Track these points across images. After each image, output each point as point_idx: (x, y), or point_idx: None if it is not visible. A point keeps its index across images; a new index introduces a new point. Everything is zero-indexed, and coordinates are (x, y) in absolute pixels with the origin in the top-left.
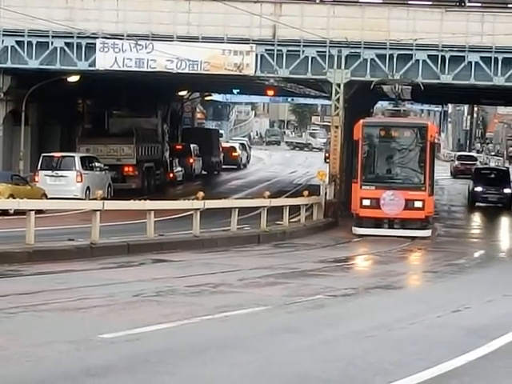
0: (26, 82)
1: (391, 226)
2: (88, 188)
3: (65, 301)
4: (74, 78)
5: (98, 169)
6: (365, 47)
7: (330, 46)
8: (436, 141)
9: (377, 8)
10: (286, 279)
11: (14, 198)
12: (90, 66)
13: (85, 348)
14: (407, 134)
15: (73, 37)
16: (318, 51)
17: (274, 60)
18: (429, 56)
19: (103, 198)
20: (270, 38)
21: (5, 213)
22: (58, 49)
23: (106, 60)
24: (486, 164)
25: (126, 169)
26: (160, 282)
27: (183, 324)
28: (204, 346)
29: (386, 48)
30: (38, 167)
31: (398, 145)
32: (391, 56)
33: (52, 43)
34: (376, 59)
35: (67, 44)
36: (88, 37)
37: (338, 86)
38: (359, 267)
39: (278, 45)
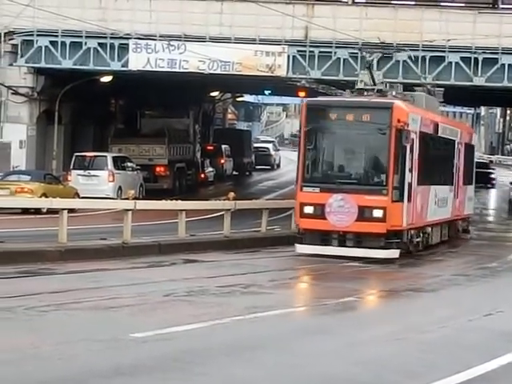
0: (60, 82)
1: (342, 243)
2: (120, 188)
3: (96, 300)
4: (106, 78)
5: (130, 169)
6: (397, 49)
7: (365, 47)
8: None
9: (409, 9)
10: (316, 281)
11: (46, 197)
12: (122, 66)
13: (115, 347)
14: (365, 117)
15: (106, 37)
16: (350, 52)
17: (305, 61)
18: (461, 58)
19: (135, 198)
20: (302, 39)
21: (38, 212)
22: (92, 49)
23: (138, 60)
24: None
25: (157, 169)
26: (191, 282)
27: (214, 324)
28: (234, 346)
29: (418, 50)
30: (71, 166)
31: (352, 132)
32: (424, 58)
33: (85, 43)
34: (408, 61)
35: (100, 44)
36: (121, 37)
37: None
38: (390, 269)
39: (310, 46)
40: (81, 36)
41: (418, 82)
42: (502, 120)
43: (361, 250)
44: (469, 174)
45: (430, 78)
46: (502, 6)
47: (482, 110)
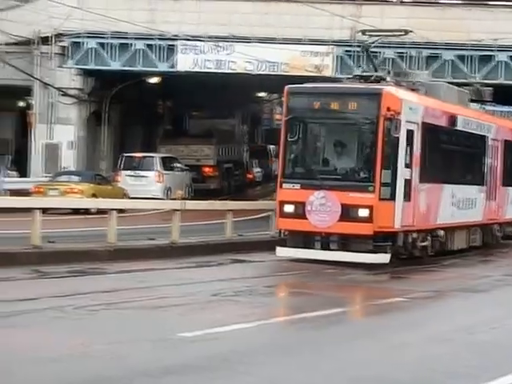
0: (108, 84)
1: (325, 246)
2: (169, 188)
3: (145, 299)
4: (154, 80)
5: (179, 169)
6: (445, 48)
7: (409, 47)
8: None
9: (457, 8)
10: (358, 283)
11: (96, 197)
12: (170, 67)
13: (164, 346)
14: (351, 105)
15: (154, 38)
16: (397, 52)
17: (353, 61)
18: (510, 57)
19: (183, 198)
20: (349, 39)
21: (87, 212)
22: (140, 50)
23: (186, 61)
24: None
25: (205, 169)
26: (238, 282)
27: (261, 324)
28: (281, 347)
29: (466, 49)
30: (120, 167)
31: (337, 122)
32: (472, 57)
33: (133, 45)
34: (456, 60)
35: (148, 46)
36: (169, 38)
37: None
38: (436, 270)
39: (357, 46)
40: (129, 37)
41: (465, 81)
42: None
43: (346, 253)
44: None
45: (478, 77)
46: None
47: None
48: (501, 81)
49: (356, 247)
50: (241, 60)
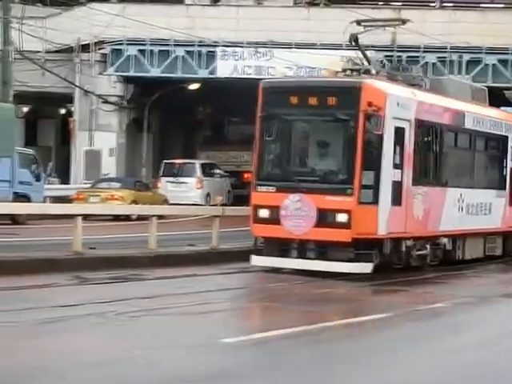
0: (148, 91)
1: (302, 254)
2: (208, 194)
3: (186, 305)
4: (194, 86)
5: (218, 175)
6: (486, 52)
7: (450, 52)
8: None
9: (499, 12)
10: (408, 286)
11: (136, 203)
12: (210, 73)
13: (204, 352)
14: (330, 100)
15: (193, 45)
16: (438, 57)
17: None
18: None
19: (223, 204)
20: (389, 43)
21: (128, 218)
22: (179, 57)
23: (225, 68)
24: None
25: (245, 175)
26: (279, 289)
27: (303, 330)
28: (325, 353)
29: (508, 53)
30: (160, 173)
31: (315, 119)
32: None
33: (173, 51)
34: (498, 64)
35: (188, 52)
36: (208, 45)
37: None
38: (478, 275)
39: (398, 51)
40: (169, 44)
41: (508, 85)
42: None
43: (323, 262)
44: None
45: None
46: None
47: None
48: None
49: (335, 255)
50: (280, 66)
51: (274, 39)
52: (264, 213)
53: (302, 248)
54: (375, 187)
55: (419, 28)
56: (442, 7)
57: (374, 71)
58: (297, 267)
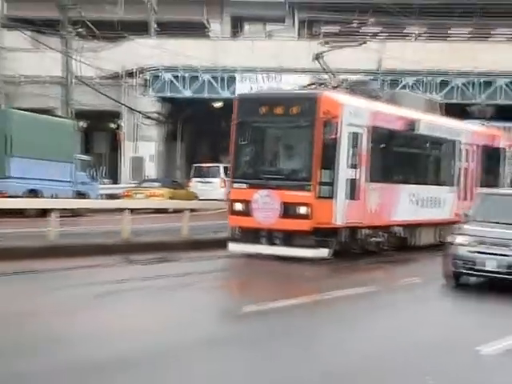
0: (181, 108)
1: (271, 241)
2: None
3: (213, 281)
4: (218, 104)
5: None
6: (454, 76)
7: (425, 75)
8: (386, 125)
9: (465, 42)
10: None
11: (173, 199)
12: (231, 93)
13: (232, 319)
14: (292, 110)
15: (217, 71)
16: (414, 79)
17: (379, 85)
18: (510, 82)
19: None
20: (374, 69)
21: (165, 211)
22: (206, 81)
23: (243, 89)
24: None
25: None
26: (263, 270)
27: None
28: (319, 320)
29: (470, 76)
30: (191, 175)
31: (280, 126)
32: (476, 82)
33: (201, 76)
34: (463, 86)
35: (213, 77)
36: (229, 71)
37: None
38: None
39: (382, 74)
40: (197, 71)
41: (471, 102)
42: None
43: (288, 248)
44: (495, 176)
45: (480, 98)
46: None
47: None
48: (499, 101)
49: (298, 242)
50: (288, 87)
51: (282, 65)
52: (238, 206)
53: (271, 236)
54: (331, 184)
55: (399, 56)
56: (417, 39)
57: (335, 85)
58: (266, 252)
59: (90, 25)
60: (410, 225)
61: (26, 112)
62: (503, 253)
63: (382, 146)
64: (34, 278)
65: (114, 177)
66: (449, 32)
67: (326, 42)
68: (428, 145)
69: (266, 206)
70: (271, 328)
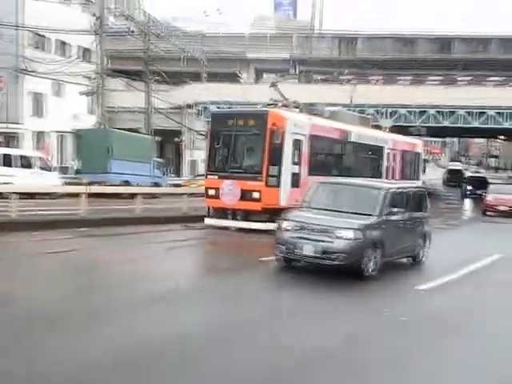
0: None
1: (235, 218)
2: None
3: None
4: None
5: None
6: (400, 107)
7: (381, 107)
8: (309, 132)
9: (408, 86)
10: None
11: None
12: None
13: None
14: (250, 122)
15: (246, 105)
16: (374, 110)
17: None
18: (436, 112)
19: None
20: (349, 102)
21: None
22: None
23: None
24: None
25: None
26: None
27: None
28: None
29: (411, 107)
30: None
31: (239, 135)
32: (414, 112)
33: (235, 108)
34: (407, 113)
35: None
36: (254, 105)
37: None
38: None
39: (353, 106)
40: (232, 104)
41: (412, 125)
42: (457, 143)
43: (246, 223)
44: (413, 172)
45: (417, 122)
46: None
47: (447, 139)
48: (430, 124)
49: (254, 218)
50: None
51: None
52: (212, 192)
53: (234, 214)
54: (278, 176)
55: (364, 94)
56: (375, 84)
57: (286, 104)
58: (231, 225)
59: (163, 74)
60: None
61: (121, 130)
62: (319, 238)
63: (321, 149)
64: (127, 238)
65: (178, 172)
66: (397, 78)
67: (273, 84)
68: (358, 149)
69: (230, 192)
70: None
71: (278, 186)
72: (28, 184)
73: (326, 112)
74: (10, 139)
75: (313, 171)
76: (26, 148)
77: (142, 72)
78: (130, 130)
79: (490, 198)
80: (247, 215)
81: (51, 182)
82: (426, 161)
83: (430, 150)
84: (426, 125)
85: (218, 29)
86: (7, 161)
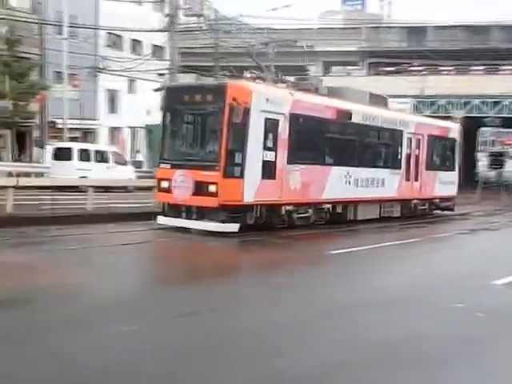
0: None
1: (189, 216)
2: None
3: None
4: None
5: None
6: (474, 98)
7: (453, 98)
8: (263, 107)
9: (481, 76)
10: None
11: None
12: None
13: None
14: (207, 98)
15: None
16: (446, 101)
17: (423, 106)
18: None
19: None
20: (419, 94)
21: None
22: None
23: None
24: None
25: None
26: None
27: None
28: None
29: (485, 97)
30: None
31: (197, 113)
32: (487, 102)
33: None
34: (479, 104)
35: None
36: None
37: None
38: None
39: (424, 98)
40: None
41: (484, 115)
42: None
43: (202, 222)
44: (445, 161)
45: (491, 113)
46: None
47: None
48: (506, 114)
49: (212, 217)
50: None
51: None
52: (163, 184)
53: (189, 211)
54: (241, 165)
55: (434, 85)
56: (447, 74)
57: (260, 76)
58: (186, 226)
59: (232, 69)
60: (347, 202)
61: None
62: None
63: (306, 132)
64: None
65: None
66: (469, 69)
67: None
68: (364, 132)
69: (182, 184)
70: None
71: (242, 176)
72: (103, 178)
73: (323, 89)
74: (87, 135)
75: (295, 159)
76: (102, 143)
77: (212, 67)
78: None
79: None
80: (203, 213)
81: (126, 175)
82: (501, 154)
83: (505, 142)
84: (501, 115)
85: (286, 23)
86: (84, 156)
